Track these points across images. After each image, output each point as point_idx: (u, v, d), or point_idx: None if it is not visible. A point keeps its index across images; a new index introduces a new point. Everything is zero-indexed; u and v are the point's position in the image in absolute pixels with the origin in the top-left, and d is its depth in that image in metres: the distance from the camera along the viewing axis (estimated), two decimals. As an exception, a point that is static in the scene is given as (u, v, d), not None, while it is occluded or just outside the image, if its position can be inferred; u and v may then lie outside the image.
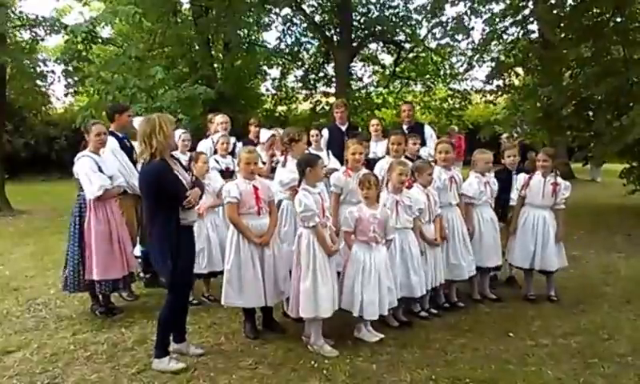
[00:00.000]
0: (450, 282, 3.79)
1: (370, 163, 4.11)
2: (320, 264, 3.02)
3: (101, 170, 3.57)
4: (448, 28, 10.04)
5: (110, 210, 3.63)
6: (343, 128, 5.20)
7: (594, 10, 7.77)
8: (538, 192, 3.92)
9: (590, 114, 7.88)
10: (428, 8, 11.01)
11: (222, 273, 3.86)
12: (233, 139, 5.05)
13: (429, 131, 5.14)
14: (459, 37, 9.91)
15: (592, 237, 6.15)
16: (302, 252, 3.05)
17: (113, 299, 3.88)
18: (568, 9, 7.90)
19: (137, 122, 4.82)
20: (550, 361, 2.94)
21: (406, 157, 3.99)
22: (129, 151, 4.06)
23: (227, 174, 4.50)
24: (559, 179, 3.95)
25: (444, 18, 10.95)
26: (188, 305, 3.16)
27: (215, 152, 4.98)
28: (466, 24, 9.25)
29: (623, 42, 7.40)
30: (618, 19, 7.59)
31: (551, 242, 3.86)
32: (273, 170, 3.97)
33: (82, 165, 3.54)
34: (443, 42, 11.51)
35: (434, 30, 11.87)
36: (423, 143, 4.87)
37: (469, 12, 9.26)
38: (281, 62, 15.20)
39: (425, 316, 3.61)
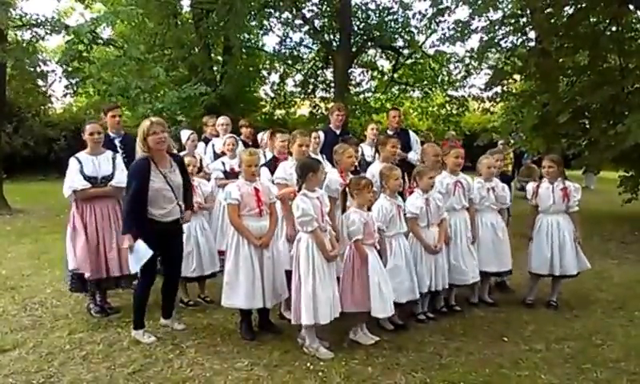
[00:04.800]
0: (451, 285, 3.80)
1: (361, 167, 4.16)
2: (319, 269, 3.02)
3: (82, 172, 3.55)
4: (450, 33, 10.07)
5: (92, 210, 3.61)
6: (338, 132, 5.24)
7: (591, 19, 7.86)
8: (548, 199, 3.94)
9: (586, 122, 7.95)
10: (429, 13, 11.08)
11: (212, 275, 3.93)
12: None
13: (414, 137, 5.37)
14: (462, 39, 9.87)
15: (586, 243, 6.10)
16: (301, 257, 3.05)
17: (109, 299, 3.88)
18: (565, 18, 7.99)
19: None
20: (543, 366, 2.96)
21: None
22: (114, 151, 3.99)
23: (232, 175, 4.49)
24: (567, 183, 3.98)
25: (444, 25, 11.05)
26: (176, 288, 3.55)
27: (215, 155, 5.00)
28: (470, 26, 9.25)
29: (619, 50, 7.49)
30: (614, 28, 7.69)
31: (568, 246, 3.87)
32: None
33: (69, 165, 3.62)
34: (444, 47, 11.59)
35: (433, 37, 11.95)
36: (409, 149, 5.03)
37: (470, 11, 9.27)
38: (280, 67, 15.27)
39: (421, 319, 3.63)
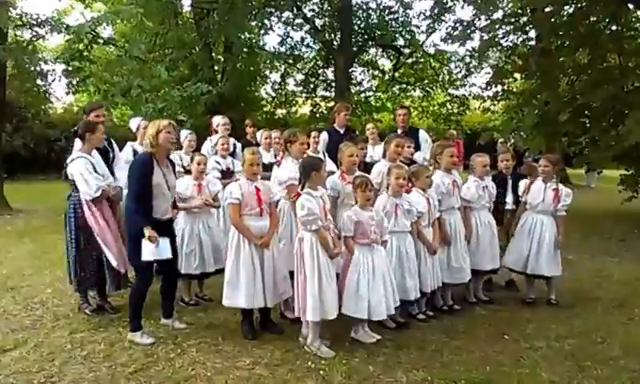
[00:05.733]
0: (448, 284, 3.81)
1: (367, 167, 4.15)
2: (324, 267, 3.04)
3: (96, 171, 3.56)
4: (455, 33, 10.04)
5: (106, 210, 3.62)
6: (342, 131, 5.23)
7: (591, 18, 7.86)
8: (539, 197, 3.96)
9: (587, 120, 7.96)
10: (433, 13, 11.05)
11: (215, 273, 3.92)
12: (232, 140, 5.07)
13: (423, 136, 5.21)
14: (468, 37, 9.79)
15: (586, 242, 6.22)
16: (306, 256, 3.05)
17: (109, 299, 3.88)
18: (565, 17, 7.99)
19: (133, 122, 4.87)
20: (544, 363, 2.97)
21: (400, 161, 4.04)
22: (103, 151, 3.97)
23: (227, 175, 4.52)
24: (560, 185, 4.00)
25: (447, 24, 11.03)
26: (176, 286, 3.56)
27: (216, 153, 5.00)
28: (475, 25, 9.21)
29: (619, 49, 7.50)
30: (614, 27, 7.69)
31: (545, 247, 3.89)
32: None
33: (78, 165, 3.52)
34: (446, 46, 11.58)
35: (434, 36, 11.91)
36: (417, 148, 4.94)
37: (474, 11, 9.24)
38: (281, 66, 15.28)
39: (421, 318, 3.64)
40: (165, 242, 3.16)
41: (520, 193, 4.11)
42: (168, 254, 3.19)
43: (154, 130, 3.20)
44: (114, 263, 3.56)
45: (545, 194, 3.94)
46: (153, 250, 3.10)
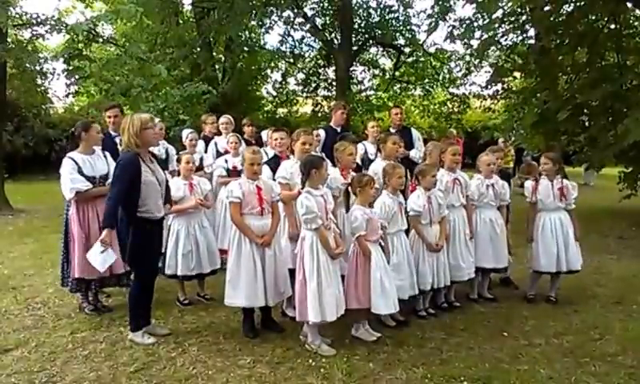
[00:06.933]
0: (451, 282, 3.82)
1: (358, 166, 4.19)
2: (324, 266, 3.03)
3: (81, 172, 3.54)
4: (458, 32, 10.02)
5: (94, 210, 3.60)
6: (338, 130, 5.25)
7: (590, 17, 7.86)
8: (548, 196, 3.97)
9: (585, 119, 7.97)
10: (430, 12, 11.05)
11: (212, 273, 3.94)
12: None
13: (416, 134, 5.41)
14: (472, 36, 9.79)
15: (585, 239, 6.15)
16: (306, 255, 3.05)
17: (111, 299, 3.91)
18: (564, 15, 8.00)
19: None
20: (542, 360, 2.99)
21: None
22: (112, 149, 3.98)
23: (234, 174, 4.53)
24: (565, 181, 4.03)
25: (449, 22, 11.01)
26: (152, 292, 3.35)
27: (217, 153, 5.02)
28: (476, 23, 9.20)
29: (617, 48, 7.51)
30: (612, 26, 7.69)
31: (572, 241, 3.93)
32: None
33: (63, 166, 3.59)
34: (447, 45, 11.57)
35: (435, 35, 11.88)
36: (411, 146, 5.09)
37: (474, 11, 9.23)
38: (282, 65, 15.27)
39: (422, 315, 3.66)
40: (110, 257, 3.04)
41: (527, 194, 4.09)
42: (102, 268, 3.08)
43: (137, 127, 3.00)
44: (76, 273, 3.53)
45: (553, 191, 3.96)
46: (96, 254, 3.00)
